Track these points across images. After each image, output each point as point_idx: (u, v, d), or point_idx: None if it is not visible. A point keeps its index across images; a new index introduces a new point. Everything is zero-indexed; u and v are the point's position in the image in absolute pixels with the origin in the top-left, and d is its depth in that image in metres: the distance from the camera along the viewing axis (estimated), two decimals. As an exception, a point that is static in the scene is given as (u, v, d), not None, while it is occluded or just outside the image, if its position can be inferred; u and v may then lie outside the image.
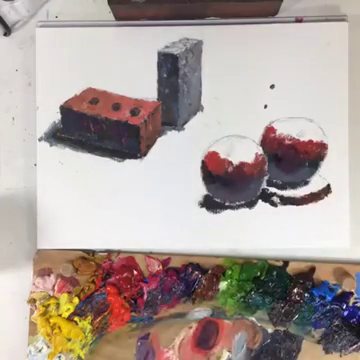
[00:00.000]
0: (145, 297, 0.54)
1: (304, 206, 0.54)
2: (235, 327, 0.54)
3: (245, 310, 0.54)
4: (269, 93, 0.53)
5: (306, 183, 0.54)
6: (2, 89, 0.55)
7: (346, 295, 0.53)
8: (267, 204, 0.54)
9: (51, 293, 0.54)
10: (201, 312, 0.54)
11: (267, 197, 0.54)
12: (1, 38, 0.55)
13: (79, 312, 0.54)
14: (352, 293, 0.53)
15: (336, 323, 0.53)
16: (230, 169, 0.54)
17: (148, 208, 0.54)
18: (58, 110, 0.54)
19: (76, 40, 0.53)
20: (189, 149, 0.54)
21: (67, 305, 0.54)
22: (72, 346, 0.54)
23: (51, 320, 0.54)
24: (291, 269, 0.54)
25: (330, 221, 0.54)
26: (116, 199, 0.54)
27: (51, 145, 0.54)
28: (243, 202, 0.54)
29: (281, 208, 0.54)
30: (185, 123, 0.54)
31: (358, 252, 0.54)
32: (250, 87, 0.53)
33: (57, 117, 0.54)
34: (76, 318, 0.54)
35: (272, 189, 0.54)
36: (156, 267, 0.54)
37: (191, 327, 0.55)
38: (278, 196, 0.54)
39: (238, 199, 0.54)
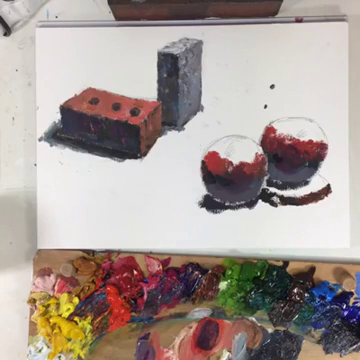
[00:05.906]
0: (145, 297, 0.54)
1: (304, 206, 0.54)
2: (235, 327, 0.54)
3: (245, 310, 0.54)
4: (269, 93, 0.53)
5: (306, 183, 0.54)
6: (2, 89, 0.55)
7: (346, 295, 0.53)
8: (267, 204, 0.54)
9: (51, 293, 0.54)
10: (201, 312, 0.54)
11: (267, 197, 0.54)
12: (1, 38, 0.55)
13: (79, 312, 0.54)
14: (352, 293, 0.53)
15: (336, 323, 0.53)
16: (230, 169, 0.54)
17: (148, 208, 0.54)
18: (58, 110, 0.54)
19: (76, 40, 0.53)
20: (189, 149, 0.54)
21: (67, 305, 0.54)
22: (72, 346, 0.54)
23: (51, 320, 0.54)
24: (291, 269, 0.54)
25: (330, 221, 0.54)
26: (116, 199, 0.54)
27: (51, 145, 0.54)
28: (243, 202, 0.54)
29: (281, 208, 0.54)
30: (185, 123, 0.54)
31: (358, 252, 0.54)
32: (250, 87, 0.53)
33: (57, 117, 0.54)
34: (76, 318, 0.54)
35: (272, 189, 0.54)
36: (156, 267, 0.54)
37: (191, 327, 0.55)
38: (278, 196, 0.54)
39: (238, 199, 0.54)
